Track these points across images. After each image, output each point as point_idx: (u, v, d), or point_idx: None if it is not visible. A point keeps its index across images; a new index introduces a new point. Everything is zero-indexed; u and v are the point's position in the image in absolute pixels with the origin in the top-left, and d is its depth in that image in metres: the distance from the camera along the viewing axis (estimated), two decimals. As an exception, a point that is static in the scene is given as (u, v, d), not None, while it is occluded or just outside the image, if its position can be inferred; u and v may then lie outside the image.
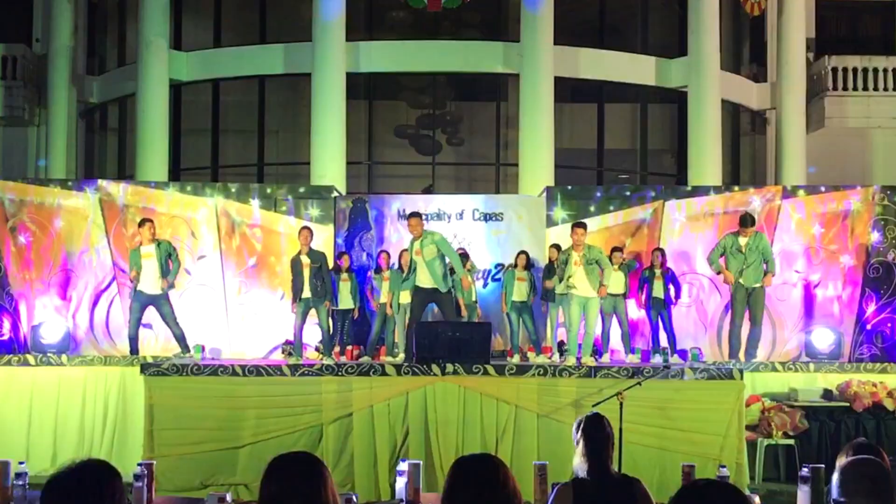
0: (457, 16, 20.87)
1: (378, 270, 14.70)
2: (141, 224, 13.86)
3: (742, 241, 13.80)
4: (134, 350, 13.59)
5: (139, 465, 7.73)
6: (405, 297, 13.89)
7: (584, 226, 13.60)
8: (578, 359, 12.98)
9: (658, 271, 14.49)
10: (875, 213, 14.95)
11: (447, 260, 12.91)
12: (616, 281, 14.22)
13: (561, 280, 13.39)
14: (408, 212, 14.98)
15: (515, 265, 14.69)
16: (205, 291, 14.95)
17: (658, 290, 14.46)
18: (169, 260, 13.81)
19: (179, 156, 21.60)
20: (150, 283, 13.66)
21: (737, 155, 23.11)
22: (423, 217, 13.20)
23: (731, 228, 14.61)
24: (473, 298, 14.59)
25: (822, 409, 12.14)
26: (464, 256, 14.53)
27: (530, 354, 14.25)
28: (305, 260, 13.70)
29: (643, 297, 14.66)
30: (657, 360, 13.81)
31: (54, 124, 22.33)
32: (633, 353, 14.36)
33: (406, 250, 13.98)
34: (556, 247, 14.55)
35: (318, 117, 19.65)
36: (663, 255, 14.61)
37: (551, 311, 14.72)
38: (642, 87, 21.80)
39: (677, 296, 14.66)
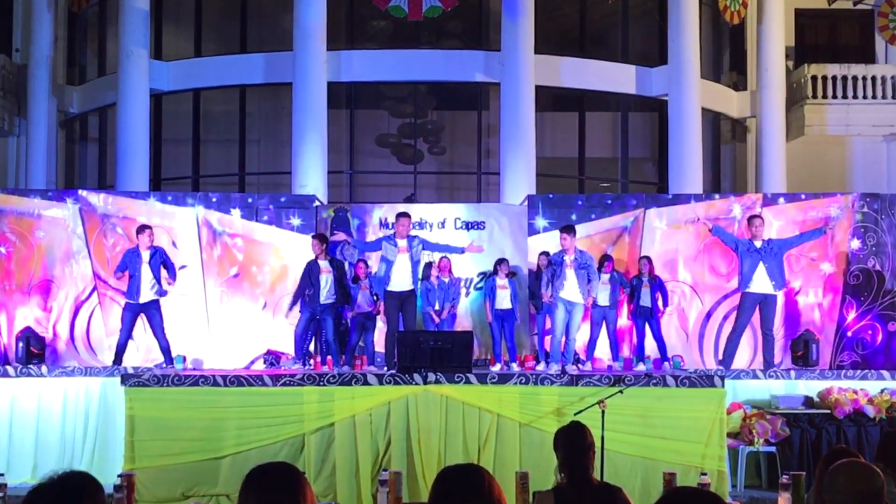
0: (437, 25, 20.91)
1: (356, 280, 14.70)
2: (141, 230, 13.82)
3: (757, 242, 13.71)
4: (118, 361, 13.52)
5: (119, 475, 7.72)
6: None
7: (573, 230, 13.71)
8: (563, 366, 13.02)
9: (645, 279, 14.55)
10: (855, 221, 15.02)
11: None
12: (602, 293, 14.27)
13: (550, 284, 13.48)
14: (390, 220, 15.00)
15: (496, 273, 14.71)
16: (186, 301, 14.90)
17: (645, 299, 14.52)
18: (163, 267, 13.83)
19: (160, 166, 21.57)
20: (144, 290, 13.69)
21: (717, 163, 23.20)
22: (391, 231, 13.29)
23: (712, 237, 14.62)
24: (437, 306, 14.60)
25: (803, 416, 12.16)
26: (427, 265, 14.62)
27: (513, 364, 14.28)
28: (326, 266, 13.80)
29: (632, 305, 14.74)
30: (639, 368, 13.86)
31: (34, 134, 22.26)
32: (616, 361, 14.41)
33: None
34: (545, 254, 14.56)
35: (300, 127, 19.64)
36: (650, 263, 14.66)
37: (538, 318, 14.76)
38: (623, 96, 21.87)
39: (664, 304, 14.70)
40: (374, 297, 14.62)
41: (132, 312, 13.75)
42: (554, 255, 13.93)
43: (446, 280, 14.69)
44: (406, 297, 13.06)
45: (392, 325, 13.00)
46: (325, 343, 14.15)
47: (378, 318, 14.65)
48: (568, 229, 13.77)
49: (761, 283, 13.58)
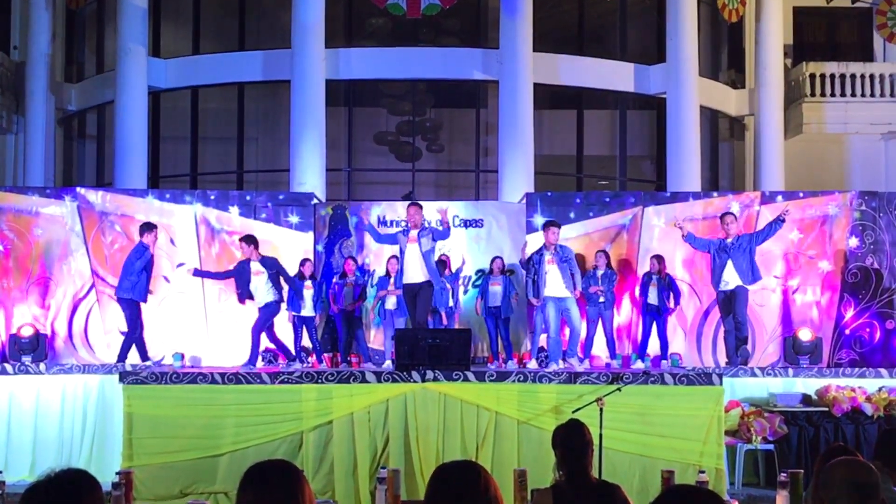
0: (436, 22, 20.89)
1: (343, 276, 14.68)
2: (149, 229, 13.91)
3: (728, 240, 13.69)
4: (123, 357, 13.62)
5: (118, 473, 7.72)
6: (391, 303, 14.02)
7: (557, 224, 13.75)
8: (566, 360, 13.01)
9: (655, 278, 14.54)
10: (853, 219, 15.03)
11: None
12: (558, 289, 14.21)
13: (535, 283, 13.45)
14: (388, 218, 15.03)
15: (491, 271, 14.70)
16: (184, 299, 14.90)
17: (653, 297, 14.51)
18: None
19: (158, 163, 21.55)
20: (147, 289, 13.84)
21: (715, 161, 23.19)
22: (405, 223, 13.22)
23: (709, 235, 14.62)
24: (451, 304, 14.63)
25: (801, 414, 12.18)
26: (441, 263, 14.62)
27: (510, 362, 14.26)
28: (257, 267, 13.76)
29: (641, 301, 14.75)
30: (637, 365, 13.86)
31: (32, 132, 22.25)
32: (614, 359, 14.41)
33: (395, 256, 13.97)
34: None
35: (298, 124, 19.63)
36: (661, 261, 14.64)
37: (536, 316, 14.69)
38: (621, 94, 21.87)
39: (676, 302, 14.68)
40: (361, 296, 14.64)
41: (138, 309, 13.83)
42: (533, 254, 13.89)
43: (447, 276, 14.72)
44: (418, 290, 12.97)
45: (412, 318, 13.04)
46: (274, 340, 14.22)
47: (362, 317, 14.76)
48: (555, 224, 13.82)
49: (729, 278, 13.66)
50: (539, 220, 15.46)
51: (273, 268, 13.86)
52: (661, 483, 8.12)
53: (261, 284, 13.81)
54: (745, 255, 13.60)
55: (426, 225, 13.35)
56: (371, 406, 11.04)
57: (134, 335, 13.75)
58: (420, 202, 13.86)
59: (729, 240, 13.67)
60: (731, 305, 13.70)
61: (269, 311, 13.81)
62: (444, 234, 13.40)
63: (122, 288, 13.82)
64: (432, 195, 20.67)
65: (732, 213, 14.12)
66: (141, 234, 13.88)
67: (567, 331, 13.89)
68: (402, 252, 13.14)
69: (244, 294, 13.98)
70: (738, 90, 23.55)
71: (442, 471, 3.95)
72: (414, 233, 12.99)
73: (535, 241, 15.26)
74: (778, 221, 13.74)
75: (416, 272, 12.94)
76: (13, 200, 14.90)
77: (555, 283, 13.42)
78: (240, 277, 13.94)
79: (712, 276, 13.90)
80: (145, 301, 13.90)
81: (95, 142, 23.00)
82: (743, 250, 13.59)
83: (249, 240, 14.01)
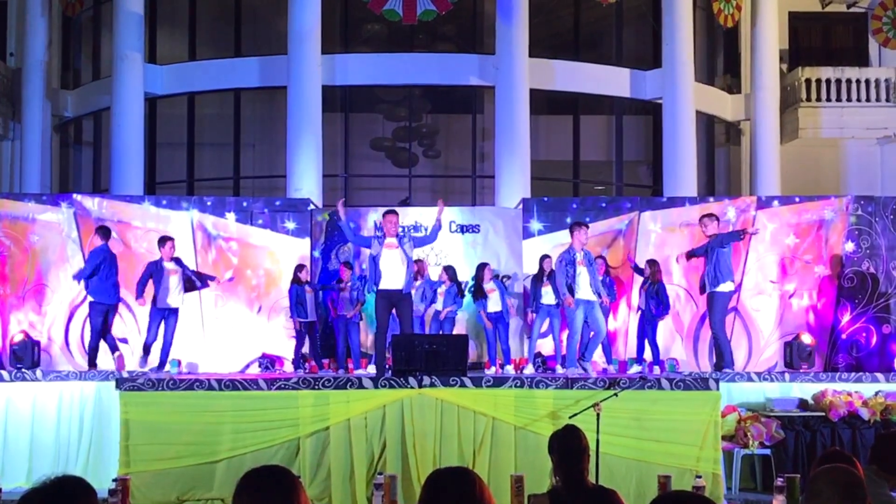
0: (432, 28, 20.91)
1: (339, 282, 14.69)
2: (163, 241, 14.01)
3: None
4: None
5: (114, 480, 7.72)
6: None
7: (586, 225, 13.59)
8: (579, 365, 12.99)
9: (646, 282, 14.51)
10: (849, 223, 15.06)
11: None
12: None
13: (568, 285, 13.21)
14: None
15: (482, 278, 14.62)
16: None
17: (642, 302, 14.49)
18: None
19: (155, 169, 21.56)
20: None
21: (711, 166, 23.22)
22: (402, 229, 13.13)
23: (706, 240, 14.63)
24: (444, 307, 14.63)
25: (797, 418, 12.17)
26: (449, 269, 14.64)
27: (508, 367, 14.26)
28: (172, 267, 13.81)
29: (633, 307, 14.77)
30: (634, 370, 13.85)
31: (29, 139, 22.22)
32: (610, 364, 14.40)
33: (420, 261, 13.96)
34: (548, 257, 14.42)
35: (294, 130, 19.63)
36: (654, 265, 14.58)
37: (536, 321, 14.60)
38: (617, 99, 21.88)
39: (665, 310, 14.60)
40: (357, 301, 14.63)
41: (103, 311, 13.85)
42: (563, 253, 13.45)
43: (418, 283, 14.51)
44: (399, 299, 12.61)
45: (381, 327, 12.71)
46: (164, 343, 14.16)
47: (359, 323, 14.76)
48: (583, 224, 13.53)
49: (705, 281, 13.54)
50: (535, 225, 15.51)
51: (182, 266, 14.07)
52: (658, 488, 8.12)
53: (176, 286, 13.89)
54: (710, 258, 13.35)
55: (402, 233, 13.02)
56: (368, 412, 11.02)
57: (96, 338, 13.76)
58: (396, 209, 13.57)
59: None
60: (707, 307, 13.61)
61: (160, 316, 13.90)
62: (428, 238, 13.13)
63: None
64: (429, 201, 20.63)
65: (708, 215, 13.80)
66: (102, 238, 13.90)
67: (564, 335, 13.88)
68: (373, 258, 12.74)
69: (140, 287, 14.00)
70: (734, 95, 23.58)
71: (436, 477, 3.95)
72: (393, 239, 12.59)
73: (531, 246, 15.29)
74: (737, 233, 13.59)
75: (396, 278, 12.54)
76: (9, 207, 14.91)
77: (585, 286, 13.20)
78: (148, 277, 13.92)
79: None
80: (106, 301, 13.82)
81: (92, 148, 22.99)
82: (709, 252, 13.43)
83: (166, 240, 14.10)
